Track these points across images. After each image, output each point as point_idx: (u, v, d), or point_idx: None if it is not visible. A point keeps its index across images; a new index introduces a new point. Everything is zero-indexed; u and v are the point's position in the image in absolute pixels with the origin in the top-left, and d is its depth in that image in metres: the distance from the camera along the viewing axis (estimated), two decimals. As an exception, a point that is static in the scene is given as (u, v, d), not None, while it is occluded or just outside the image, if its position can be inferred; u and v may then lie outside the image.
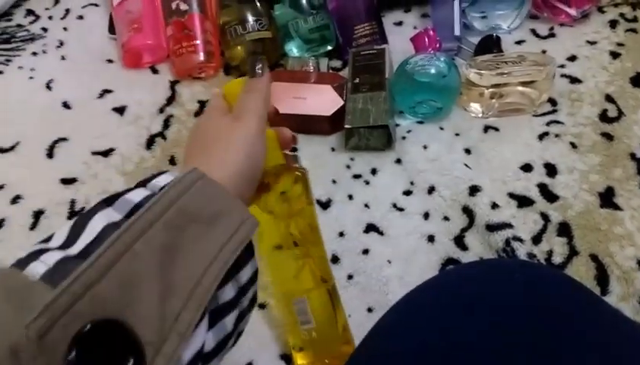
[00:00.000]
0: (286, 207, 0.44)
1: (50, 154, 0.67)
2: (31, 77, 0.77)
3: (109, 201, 0.32)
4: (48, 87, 0.75)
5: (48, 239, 0.30)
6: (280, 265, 0.45)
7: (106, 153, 0.66)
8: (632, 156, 0.60)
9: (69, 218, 0.60)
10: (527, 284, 0.36)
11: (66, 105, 0.72)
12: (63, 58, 0.79)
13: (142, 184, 0.33)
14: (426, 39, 0.66)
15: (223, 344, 0.34)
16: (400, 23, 0.80)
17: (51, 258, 0.28)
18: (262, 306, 0.51)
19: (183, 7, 0.75)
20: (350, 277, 0.53)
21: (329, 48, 0.76)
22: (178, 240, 0.30)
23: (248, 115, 0.40)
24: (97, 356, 0.26)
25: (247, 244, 0.34)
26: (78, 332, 0.25)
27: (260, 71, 0.43)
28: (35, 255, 0.28)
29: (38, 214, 0.60)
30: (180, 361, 0.29)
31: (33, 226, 0.59)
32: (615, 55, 0.71)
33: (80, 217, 0.31)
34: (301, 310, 0.46)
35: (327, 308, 0.47)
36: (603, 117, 0.64)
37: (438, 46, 0.67)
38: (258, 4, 0.74)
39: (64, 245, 0.29)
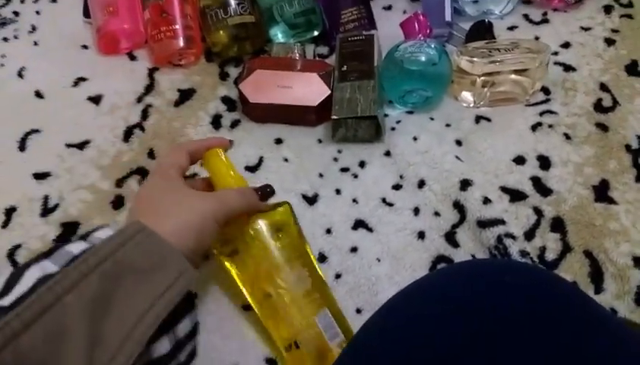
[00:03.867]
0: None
1: (22, 147, 0.63)
2: (2, 65, 0.73)
3: (47, 254, 0.32)
4: (19, 75, 0.71)
5: None
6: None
7: (82, 146, 0.63)
8: (628, 147, 0.58)
9: (42, 216, 0.57)
10: (517, 287, 0.35)
11: (39, 94, 0.69)
12: (35, 43, 0.75)
13: (83, 237, 0.34)
14: (416, 25, 0.64)
15: None
16: (389, 8, 0.77)
17: None
18: (247, 308, 0.49)
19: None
20: (338, 276, 0.51)
21: (315, 33, 0.74)
22: (112, 292, 0.30)
23: (225, 204, 0.41)
24: None
25: (188, 297, 0.36)
26: None
27: (263, 196, 0.47)
28: None
29: (10, 212, 0.57)
30: None
31: (5, 225, 0.57)
32: (610, 41, 0.69)
33: (17, 268, 0.31)
34: (328, 325, 0.44)
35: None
36: (598, 107, 0.62)
37: (428, 31, 0.64)
38: (241, -13, 0.71)
39: None
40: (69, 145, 0.63)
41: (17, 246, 0.55)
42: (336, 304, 0.47)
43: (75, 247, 0.33)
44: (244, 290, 0.46)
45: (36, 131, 0.65)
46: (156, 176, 0.44)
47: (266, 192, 0.47)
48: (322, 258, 0.52)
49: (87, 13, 0.77)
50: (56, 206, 0.58)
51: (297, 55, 0.68)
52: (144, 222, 0.35)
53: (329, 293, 0.47)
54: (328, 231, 0.54)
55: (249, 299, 0.46)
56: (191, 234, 0.38)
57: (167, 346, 0.34)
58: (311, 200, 0.57)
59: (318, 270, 0.47)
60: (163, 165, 0.44)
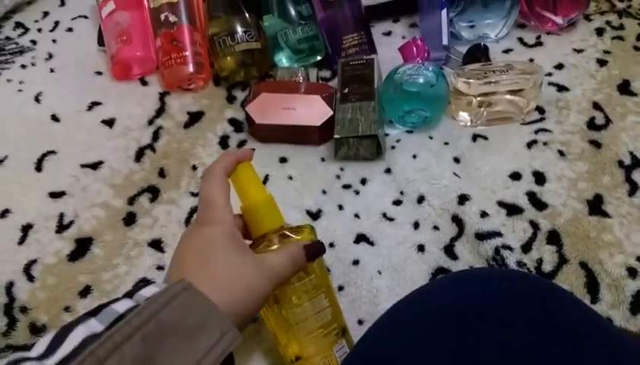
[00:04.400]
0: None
1: (39, 168, 0.66)
2: (20, 90, 0.77)
3: (94, 312, 0.32)
4: (37, 99, 0.75)
5: (29, 348, 0.31)
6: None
7: (95, 166, 0.66)
8: (620, 163, 0.60)
9: (57, 232, 0.59)
10: (513, 293, 0.37)
11: (55, 118, 0.72)
12: (52, 70, 0.79)
13: (129, 294, 0.34)
14: (414, 49, 0.67)
15: None
16: (389, 33, 0.81)
17: None
18: (253, 320, 0.51)
19: (172, 18, 0.75)
20: (340, 288, 0.53)
21: (318, 58, 0.77)
22: (154, 353, 0.30)
23: (276, 275, 0.40)
24: None
25: (228, 357, 0.34)
26: None
27: (311, 255, 0.43)
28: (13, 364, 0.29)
29: (26, 228, 0.60)
30: None
31: (21, 241, 0.59)
32: (602, 62, 0.71)
33: (63, 327, 0.31)
34: (343, 354, 0.45)
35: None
36: (591, 125, 0.64)
37: (426, 55, 0.67)
38: (247, 15, 0.75)
39: (43, 356, 0.29)
40: (83, 166, 0.66)
41: (33, 261, 0.57)
42: (349, 333, 0.47)
43: (121, 306, 0.32)
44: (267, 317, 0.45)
45: (52, 152, 0.68)
46: (214, 227, 0.40)
47: (315, 250, 0.43)
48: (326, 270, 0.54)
49: (101, 41, 0.81)
50: (71, 223, 0.60)
51: (301, 78, 0.71)
52: (189, 278, 0.35)
53: (344, 323, 0.47)
54: (331, 245, 0.56)
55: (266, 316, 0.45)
56: (237, 301, 0.37)
57: None
58: (314, 215, 0.59)
59: (337, 300, 0.47)
60: (228, 216, 0.41)
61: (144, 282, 0.36)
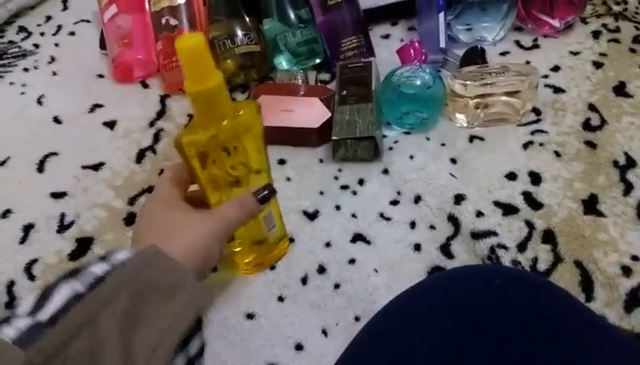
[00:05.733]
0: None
1: (40, 169, 0.67)
2: (22, 93, 0.78)
3: (73, 274, 0.34)
4: (39, 102, 0.76)
5: (13, 308, 0.34)
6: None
7: (96, 167, 0.67)
8: (615, 163, 0.60)
9: (58, 232, 0.60)
10: (505, 289, 0.37)
11: (57, 120, 0.73)
12: (54, 73, 0.80)
13: (103, 259, 0.36)
14: (412, 52, 0.67)
15: None
16: (387, 36, 0.81)
17: (21, 324, 0.31)
18: (250, 317, 0.52)
19: (173, 22, 0.76)
20: (337, 286, 0.53)
21: (317, 61, 0.78)
22: (138, 310, 0.33)
23: (226, 223, 0.44)
24: None
25: (200, 319, 0.38)
26: None
27: (263, 200, 0.47)
28: (5, 321, 0.31)
29: (28, 228, 0.61)
30: None
31: (22, 240, 0.60)
32: (598, 65, 0.72)
33: (46, 287, 0.34)
34: (268, 218, 0.50)
35: (278, 208, 0.52)
36: (587, 126, 0.65)
37: (423, 58, 0.68)
38: (247, 18, 0.76)
39: (32, 312, 0.32)
40: (85, 167, 0.67)
41: (34, 261, 0.58)
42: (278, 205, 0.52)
43: (98, 268, 0.35)
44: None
45: (54, 154, 0.69)
46: (156, 195, 0.45)
47: (265, 196, 0.47)
48: (322, 269, 0.55)
49: (103, 45, 0.82)
50: (72, 223, 0.61)
51: (300, 81, 0.72)
52: (161, 246, 0.38)
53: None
54: (328, 244, 0.57)
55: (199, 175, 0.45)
56: (196, 256, 0.41)
57: (181, 364, 0.36)
58: (311, 216, 0.59)
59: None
60: (163, 183, 0.45)
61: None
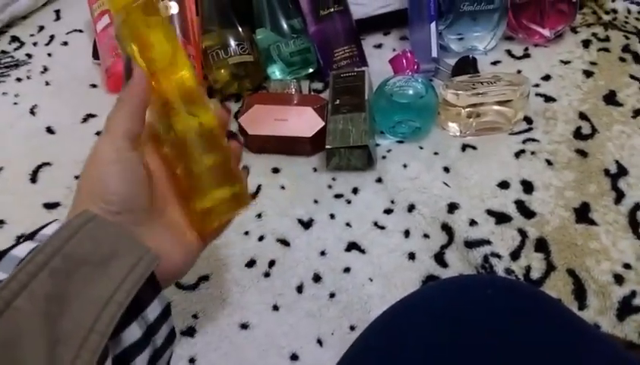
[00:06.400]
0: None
1: (34, 179, 0.67)
2: (15, 103, 0.78)
3: None
4: (32, 112, 0.76)
5: None
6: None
7: (90, 178, 0.66)
8: (606, 172, 0.61)
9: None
10: (497, 299, 0.37)
11: (50, 130, 0.73)
12: (47, 83, 0.80)
13: (30, 236, 0.33)
14: (404, 61, 0.68)
15: None
16: (379, 46, 0.82)
17: None
18: (245, 327, 0.52)
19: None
20: (332, 295, 0.53)
21: (311, 70, 0.78)
22: (66, 287, 0.29)
23: (111, 140, 0.36)
24: None
25: (154, 281, 0.34)
26: None
27: (130, 77, 0.38)
28: None
29: (20, 239, 0.60)
30: None
31: (15, 252, 0.59)
32: (588, 73, 0.73)
33: None
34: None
35: None
36: (578, 134, 0.65)
37: (416, 67, 0.68)
38: (240, 28, 0.76)
39: None
40: (78, 177, 0.66)
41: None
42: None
43: (21, 249, 0.31)
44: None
45: (47, 164, 0.68)
46: (101, 146, 0.37)
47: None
48: (317, 278, 0.55)
49: (96, 55, 0.82)
50: (65, 234, 0.61)
51: (293, 90, 0.72)
52: (93, 208, 0.33)
53: None
54: (322, 253, 0.57)
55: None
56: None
57: (138, 332, 0.33)
58: (306, 224, 0.60)
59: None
60: (111, 132, 0.37)
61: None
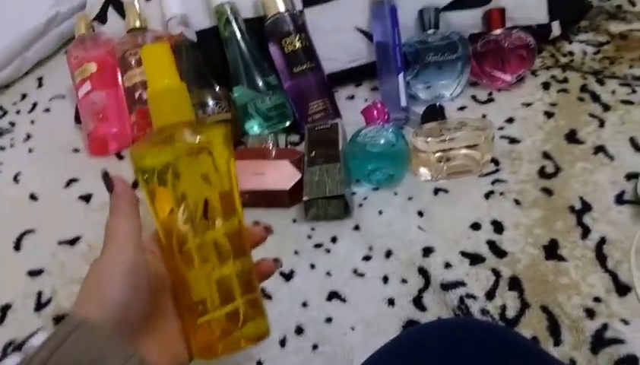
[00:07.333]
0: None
1: (17, 247, 0.68)
2: (-1, 171, 0.79)
3: None
4: (15, 179, 0.77)
5: None
6: None
7: (73, 242, 0.68)
8: (572, 208, 0.64)
9: (35, 310, 0.60)
10: (471, 343, 0.39)
11: (33, 196, 0.74)
12: (30, 150, 0.82)
13: (18, 347, 0.35)
14: (375, 112, 0.71)
15: None
16: (352, 97, 0.86)
17: None
18: None
19: (146, 96, 0.79)
20: (315, 347, 0.54)
21: (288, 123, 0.81)
22: None
23: (117, 244, 0.39)
24: None
25: None
26: None
27: (114, 188, 0.42)
28: None
29: (5, 309, 0.61)
30: None
31: (0, 321, 0.60)
32: (549, 114, 0.77)
33: None
34: None
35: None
36: (542, 173, 0.68)
37: (386, 117, 0.72)
38: (217, 87, 0.79)
39: None
40: (61, 242, 0.68)
41: (12, 342, 0.57)
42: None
43: (10, 362, 0.32)
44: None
45: (30, 231, 0.70)
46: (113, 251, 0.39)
47: None
48: (299, 330, 0.56)
49: (78, 119, 0.85)
50: (49, 300, 0.61)
51: (270, 144, 0.75)
52: (87, 310, 0.34)
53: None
54: (304, 304, 0.58)
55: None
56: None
57: None
58: (287, 276, 0.61)
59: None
60: (114, 237, 0.40)
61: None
